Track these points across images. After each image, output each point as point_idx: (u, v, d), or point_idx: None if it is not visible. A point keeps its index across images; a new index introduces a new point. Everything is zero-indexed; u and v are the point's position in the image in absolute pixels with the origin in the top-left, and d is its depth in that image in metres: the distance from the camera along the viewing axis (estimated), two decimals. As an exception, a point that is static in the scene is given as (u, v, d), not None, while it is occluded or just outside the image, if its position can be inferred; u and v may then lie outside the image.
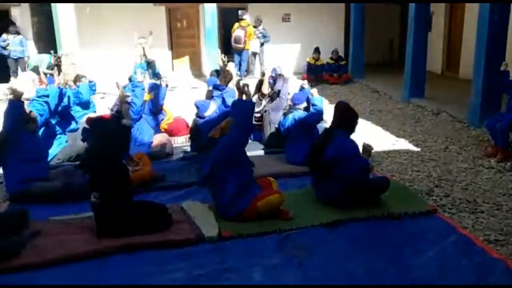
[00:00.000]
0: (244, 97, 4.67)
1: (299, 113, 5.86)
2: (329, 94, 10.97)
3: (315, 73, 12.47)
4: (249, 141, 7.02)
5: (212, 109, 5.69)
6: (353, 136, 4.73)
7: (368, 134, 7.41)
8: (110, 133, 4.23)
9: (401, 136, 7.33)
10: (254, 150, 6.45)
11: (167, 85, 6.61)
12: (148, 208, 4.30)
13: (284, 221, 4.33)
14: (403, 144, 6.93)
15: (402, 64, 10.33)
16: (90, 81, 7.64)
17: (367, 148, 4.69)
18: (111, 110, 6.62)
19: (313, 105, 5.78)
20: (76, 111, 7.21)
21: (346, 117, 4.63)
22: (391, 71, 13.14)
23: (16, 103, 4.97)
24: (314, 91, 5.92)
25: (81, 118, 6.92)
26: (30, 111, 5.11)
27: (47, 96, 5.67)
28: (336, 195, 4.55)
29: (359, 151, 4.63)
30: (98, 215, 4.08)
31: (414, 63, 9.58)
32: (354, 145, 4.60)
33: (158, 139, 6.47)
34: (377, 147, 6.68)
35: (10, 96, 5.13)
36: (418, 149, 6.66)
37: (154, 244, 3.96)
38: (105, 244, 3.94)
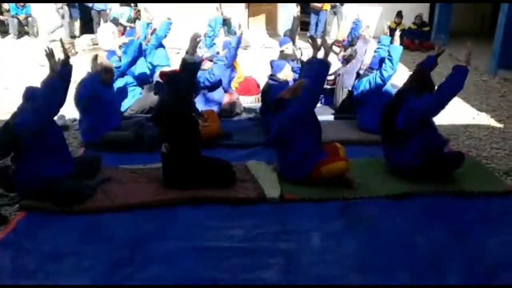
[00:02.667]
0: (321, 55, 4.44)
1: (375, 77, 5.59)
2: (407, 60, 10.45)
3: (396, 38, 11.88)
4: (320, 104, 6.94)
5: (287, 71, 5.55)
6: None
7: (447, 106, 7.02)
8: (180, 82, 4.23)
9: (483, 110, 6.87)
10: (324, 115, 6.31)
11: (240, 39, 6.39)
12: (215, 163, 4.36)
13: (348, 189, 4.23)
14: (484, 119, 6.50)
15: (491, 37, 9.58)
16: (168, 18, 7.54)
17: (469, 48, 4.40)
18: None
19: (389, 56, 5.43)
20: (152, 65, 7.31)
21: (425, 84, 4.36)
22: (479, 43, 12.21)
23: (94, 77, 5.10)
24: (396, 34, 5.47)
25: (156, 70, 7.04)
26: (103, 64, 5.24)
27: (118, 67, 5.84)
28: (407, 167, 4.36)
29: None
30: (166, 165, 4.19)
31: (506, 32, 8.85)
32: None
33: (228, 97, 6.48)
34: (456, 120, 6.34)
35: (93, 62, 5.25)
36: (501, 125, 6.22)
37: (218, 199, 4.02)
38: (171, 195, 4.05)
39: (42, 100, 3.85)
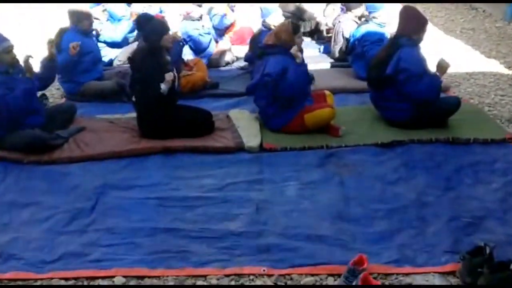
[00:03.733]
0: None
1: (372, 26, 5.21)
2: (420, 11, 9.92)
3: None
4: (319, 53, 6.60)
5: (277, 17, 5.20)
6: (430, 53, 4.10)
7: (453, 53, 6.60)
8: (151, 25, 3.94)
9: (492, 57, 6.42)
10: (322, 63, 5.99)
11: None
12: (192, 113, 4.13)
13: (333, 137, 3.97)
14: (493, 66, 6.07)
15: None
16: None
17: (443, 64, 3.98)
18: None
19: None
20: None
21: (412, 22, 3.99)
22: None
23: (73, 29, 4.83)
24: None
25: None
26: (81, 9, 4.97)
27: None
28: (399, 115, 4.07)
29: (427, 65, 4.01)
30: (139, 114, 3.98)
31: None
32: (421, 57, 4.00)
33: (220, 46, 6.16)
34: (461, 67, 5.94)
35: None
36: (509, 72, 5.81)
37: (193, 149, 3.81)
38: (144, 144, 3.85)
39: None
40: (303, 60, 4.13)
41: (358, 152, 3.77)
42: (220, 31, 6.46)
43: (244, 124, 4.18)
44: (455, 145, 3.87)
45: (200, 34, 5.81)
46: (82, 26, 5.01)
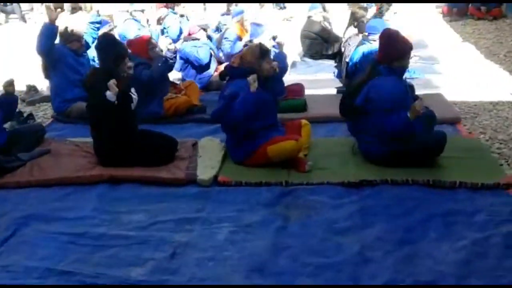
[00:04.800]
0: None
1: (370, 46, 4.75)
2: (467, 31, 9.15)
3: (459, 5, 10.52)
4: (333, 76, 6.18)
5: (265, 38, 4.88)
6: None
7: (484, 78, 5.94)
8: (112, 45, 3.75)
9: (528, 86, 5.69)
10: (327, 88, 5.60)
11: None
12: (154, 139, 3.90)
13: (297, 173, 3.56)
14: (525, 96, 5.36)
15: None
16: None
17: (415, 107, 3.37)
18: None
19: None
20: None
21: (393, 48, 3.52)
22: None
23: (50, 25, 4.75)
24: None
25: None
26: (72, 30, 4.92)
27: (99, 23, 5.45)
28: (373, 150, 3.60)
29: (403, 98, 3.49)
30: (94, 141, 3.80)
31: None
32: (396, 89, 3.50)
33: (222, 68, 5.92)
34: (486, 96, 5.30)
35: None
36: (541, 106, 5.07)
37: (141, 179, 3.55)
38: (92, 172, 3.65)
39: None
40: (272, 88, 3.79)
41: (318, 192, 3.33)
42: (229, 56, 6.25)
43: (208, 154, 3.88)
44: (436, 188, 3.33)
45: (195, 46, 5.60)
46: (71, 46, 4.99)
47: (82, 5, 12.67)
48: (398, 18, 7.82)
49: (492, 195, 3.22)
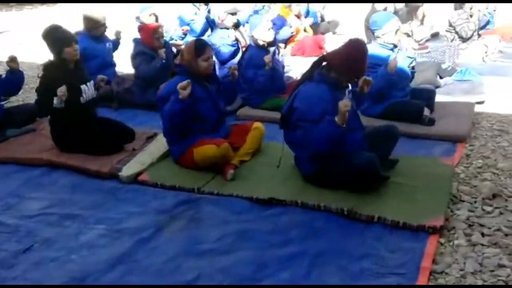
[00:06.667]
0: None
1: (373, 47, 4.08)
2: None
3: None
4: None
5: (262, 29, 4.49)
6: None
7: (492, 96, 4.83)
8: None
9: None
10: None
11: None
12: (109, 128, 3.92)
13: (215, 181, 3.30)
14: None
15: None
16: None
17: (341, 109, 2.80)
18: None
19: None
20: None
21: (343, 58, 2.96)
22: None
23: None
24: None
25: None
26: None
27: None
28: (301, 165, 3.19)
29: (330, 109, 2.93)
30: (51, 127, 3.95)
31: None
32: (325, 100, 2.96)
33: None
34: None
35: None
36: None
37: (71, 167, 3.62)
38: (40, 155, 3.79)
39: None
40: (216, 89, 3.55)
41: (221, 205, 3.05)
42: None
43: (152, 149, 3.80)
44: (352, 220, 2.81)
45: (223, 44, 5.47)
46: (95, 32, 5.24)
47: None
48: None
49: (408, 239, 2.62)
